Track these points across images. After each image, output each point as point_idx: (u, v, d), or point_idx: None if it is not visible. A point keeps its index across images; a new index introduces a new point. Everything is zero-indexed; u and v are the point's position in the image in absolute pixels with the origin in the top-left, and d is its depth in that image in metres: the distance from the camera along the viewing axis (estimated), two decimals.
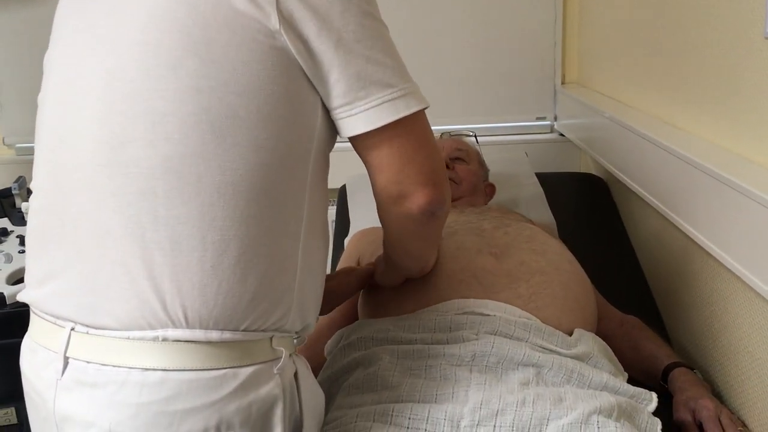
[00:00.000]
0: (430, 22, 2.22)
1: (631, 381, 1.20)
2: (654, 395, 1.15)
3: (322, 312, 1.34)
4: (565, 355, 1.16)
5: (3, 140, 2.29)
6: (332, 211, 2.09)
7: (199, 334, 0.84)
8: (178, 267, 0.83)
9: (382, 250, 1.24)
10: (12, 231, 1.76)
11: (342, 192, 2.07)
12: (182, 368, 0.83)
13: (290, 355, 0.93)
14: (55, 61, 0.94)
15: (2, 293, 1.52)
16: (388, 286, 1.29)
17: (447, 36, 2.23)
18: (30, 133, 0.98)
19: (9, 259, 1.63)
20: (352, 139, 0.93)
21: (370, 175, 0.96)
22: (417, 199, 0.93)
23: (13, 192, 1.88)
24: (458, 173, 1.65)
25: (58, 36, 0.96)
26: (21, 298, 0.96)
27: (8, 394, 1.70)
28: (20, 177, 1.92)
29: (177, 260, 0.83)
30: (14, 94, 2.26)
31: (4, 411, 1.71)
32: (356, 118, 0.89)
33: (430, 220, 0.97)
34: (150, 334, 0.83)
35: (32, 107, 0.98)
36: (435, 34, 2.22)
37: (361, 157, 0.95)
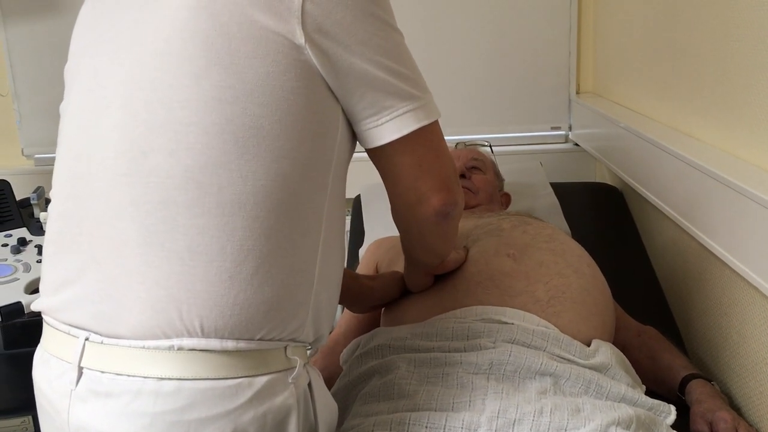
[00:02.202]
0: (445, 32, 2.23)
1: (648, 391, 1.19)
2: (672, 408, 1.14)
3: (359, 311, 1.38)
4: (583, 366, 1.15)
5: (22, 151, 2.32)
6: (347, 221, 2.10)
7: (214, 343, 0.84)
8: (196, 277, 0.83)
9: (401, 256, 1.25)
10: (30, 241, 1.78)
11: (356, 202, 2.07)
12: (197, 377, 0.83)
13: (304, 364, 0.93)
14: (77, 70, 0.95)
15: (20, 302, 1.54)
16: (418, 289, 1.31)
17: (462, 46, 2.24)
18: (48, 144, 1.00)
19: (27, 268, 1.65)
20: (374, 149, 0.95)
21: (387, 183, 0.99)
22: (433, 204, 0.98)
23: (32, 202, 1.90)
24: (475, 183, 1.65)
25: (79, 46, 0.97)
26: (35, 306, 0.96)
27: (25, 403, 1.71)
28: (39, 187, 1.94)
29: (195, 270, 0.83)
30: (33, 106, 2.28)
31: (21, 419, 1.73)
32: (382, 129, 0.92)
33: (445, 220, 1.02)
34: (165, 343, 0.83)
35: (51, 119, 0.99)
36: (450, 44, 2.23)
37: (379, 166, 0.98)
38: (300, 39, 0.84)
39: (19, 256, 1.71)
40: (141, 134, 0.85)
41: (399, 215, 1.05)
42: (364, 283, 1.32)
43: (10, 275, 1.63)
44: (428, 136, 0.95)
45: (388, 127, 0.92)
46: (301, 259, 0.89)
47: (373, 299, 1.33)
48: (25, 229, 1.85)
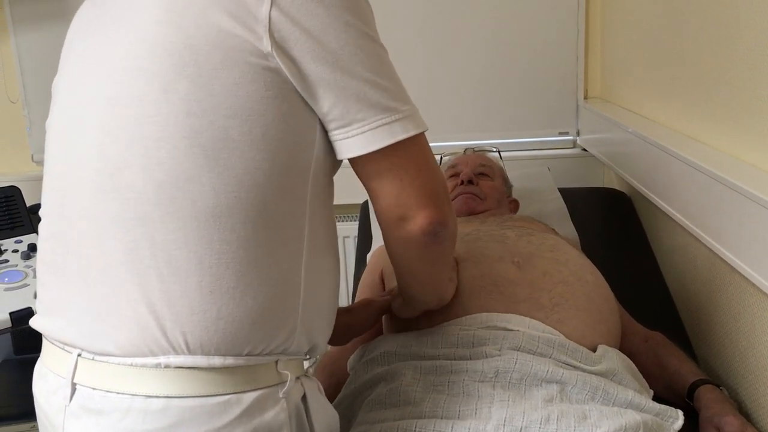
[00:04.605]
0: (453, 38, 2.23)
1: (656, 398, 1.19)
2: (680, 413, 1.13)
3: (340, 343, 1.32)
4: (590, 372, 1.15)
5: (32, 157, 2.33)
6: (354, 227, 2.10)
7: (200, 360, 0.83)
8: (177, 293, 0.83)
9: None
10: None
11: (364, 207, 2.08)
12: (185, 395, 0.83)
13: (297, 378, 0.92)
14: (60, 87, 0.96)
15: (30, 308, 1.55)
16: (403, 317, 1.26)
17: (470, 52, 2.24)
18: None
19: None
20: (351, 162, 0.91)
21: (371, 200, 0.95)
22: (418, 221, 0.91)
23: None
24: (483, 189, 1.66)
25: (65, 61, 0.97)
26: (32, 325, 0.96)
27: (33, 409, 1.73)
28: None
29: (175, 286, 0.83)
30: (43, 113, 2.29)
31: (31, 424, 1.73)
32: (352, 141, 0.88)
33: (432, 241, 0.94)
34: (152, 360, 0.83)
35: None
36: (458, 50, 2.24)
37: (360, 180, 0.94)
38: (267, 47, 0.83)
39: (29, 262, 1.73)
40: (116, 151, 0.85)
41: (384, 236, 0.98)
42: (339, 320, 1.24)
43: (21, 281, 1.64)
44: (408, 149, 0.89)
45: (358, 141, 0.87)
46: (283, 269, 0.88)
47: (351, 334, 1.29)
48: (35, 234, 1.86)
